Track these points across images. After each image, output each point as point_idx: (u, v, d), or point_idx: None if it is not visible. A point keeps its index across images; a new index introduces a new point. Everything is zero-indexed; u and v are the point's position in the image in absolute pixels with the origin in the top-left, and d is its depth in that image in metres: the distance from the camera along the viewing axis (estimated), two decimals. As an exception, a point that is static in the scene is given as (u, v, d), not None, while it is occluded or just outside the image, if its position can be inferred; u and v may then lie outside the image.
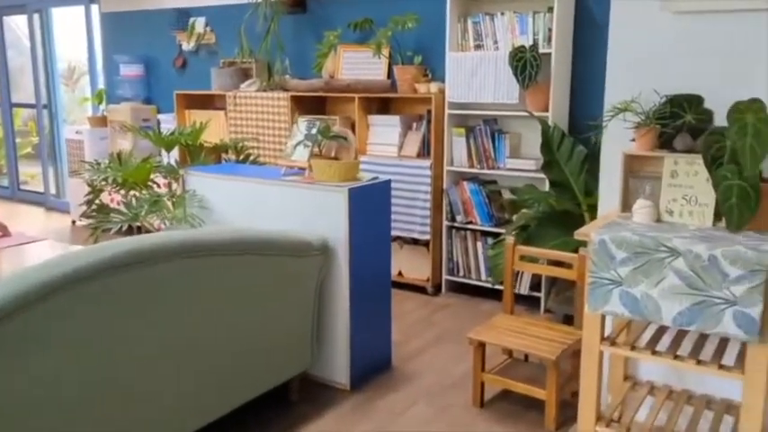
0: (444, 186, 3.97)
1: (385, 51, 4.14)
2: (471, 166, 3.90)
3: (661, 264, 1.79)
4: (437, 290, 4.08)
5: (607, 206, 2.33)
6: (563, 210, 3.33)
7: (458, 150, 3.94)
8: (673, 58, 2.16)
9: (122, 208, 3.13)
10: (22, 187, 7.26)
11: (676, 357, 1.87)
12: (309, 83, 4.34)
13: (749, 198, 1.80)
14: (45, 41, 6.57)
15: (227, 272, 2.18)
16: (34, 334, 1.65)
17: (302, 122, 2.95)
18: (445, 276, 4.07)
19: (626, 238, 1.84)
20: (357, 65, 4.39)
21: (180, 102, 5.12)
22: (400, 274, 4.14)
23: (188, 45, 5.39)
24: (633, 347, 1.95)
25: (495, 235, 3.80)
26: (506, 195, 3.83)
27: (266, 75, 4.80)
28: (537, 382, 2.56)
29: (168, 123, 5.30)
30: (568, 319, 3.26)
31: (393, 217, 3.49)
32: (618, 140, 2.23)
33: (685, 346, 1.95)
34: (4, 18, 6.92)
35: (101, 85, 6.21)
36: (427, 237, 3.99)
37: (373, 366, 2.93)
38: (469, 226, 3.94)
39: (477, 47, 3.84)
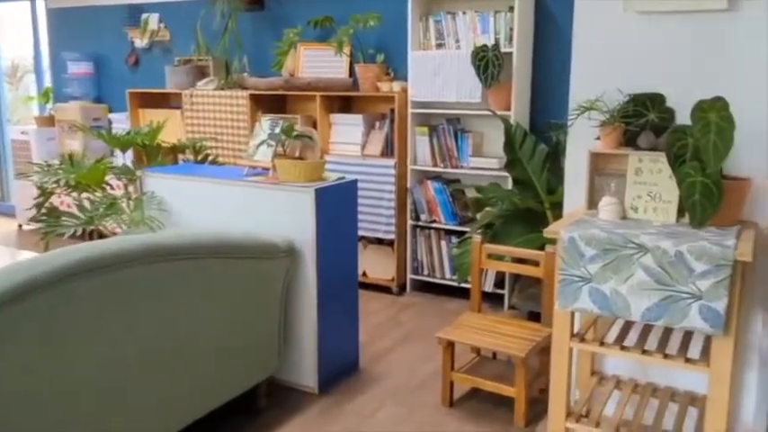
0: (408, 185, 3.96)
1: (346, 50, 4.10)
2: (435, 165, 3.90)
3: (630, 260, 1.81)
4: (402, 289, 4.06)
5: (572, 204, 2.36)
6: (526, 207, 3.36)
7: (421, 149, 3.93)
8: (636, 57, 2.19)
9: (75, 211, 3.00)
10: (-38, 191, 6.92)
11: (644, 352, 1.90)
12: (269, 81, 4.26)
13: (712, 195, 1.84)
14: (-13, 38, 6.27)
15: (191, 276, 2.11)
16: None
17: (265, 121, 2.88)
18: (410, 276, 4.06)
19: (595, 236, 1.86)
20: (318, 63, 4.33)
21: (133, 100, 4.96)
22: (365, 274, 4.11)
23: (141, 42, 5.22)
24: (602, 343, 1.98)
25: (460, 234, 3.81)
26: (470, 194, 3.84)
27: (224, 73, 4.69)
28: (505, 379, 2.57)
29: (120, 123, 5.13)
30: (533, 316, 3.29)
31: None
32: (583, 139, 2.25)
33: (651, 341, 1.99)
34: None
35: (47, 83, 5.96)
36: (392, 236, 3.97)
37: (341, 369, 2.89)
38: (434, 225, 3.94)
39: (439, 46, 3.84)
